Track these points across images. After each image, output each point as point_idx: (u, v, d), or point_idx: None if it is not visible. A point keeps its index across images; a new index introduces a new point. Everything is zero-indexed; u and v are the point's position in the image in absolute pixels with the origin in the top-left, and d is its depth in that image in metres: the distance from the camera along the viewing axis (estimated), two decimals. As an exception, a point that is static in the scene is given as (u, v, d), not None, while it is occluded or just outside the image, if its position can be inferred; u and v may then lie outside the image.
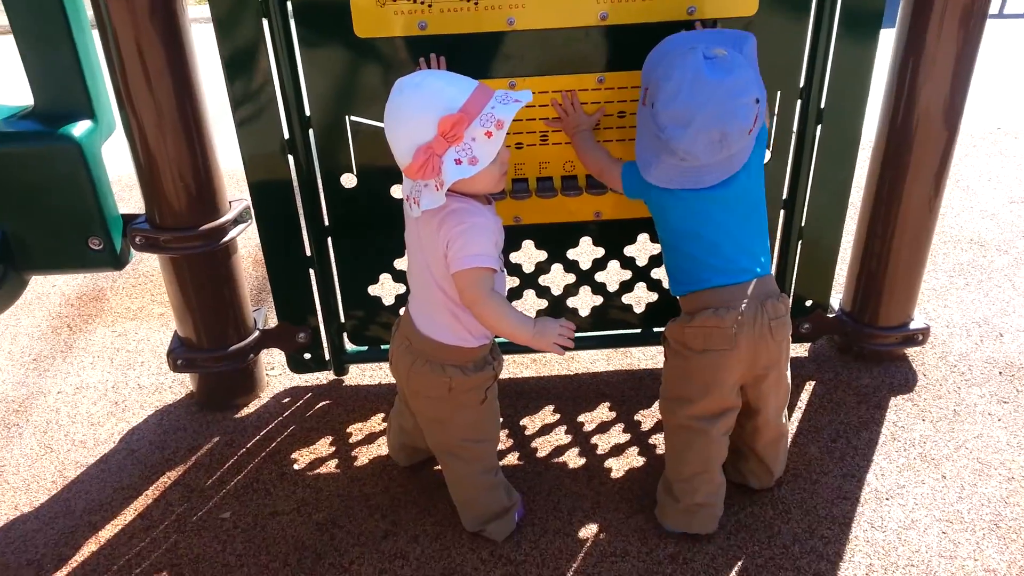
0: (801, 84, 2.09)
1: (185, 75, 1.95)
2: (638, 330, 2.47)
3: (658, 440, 2.24)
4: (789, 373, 1.92)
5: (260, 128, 2.06)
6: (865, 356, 2.48)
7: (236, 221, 2.20)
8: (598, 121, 2.04)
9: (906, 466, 2.12)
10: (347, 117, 2.05)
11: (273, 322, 2.39)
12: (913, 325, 2.43)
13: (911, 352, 2.50)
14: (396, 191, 2.15)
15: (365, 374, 2.53)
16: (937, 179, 2.20)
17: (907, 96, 2.10)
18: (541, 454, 2.21)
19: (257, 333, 2.36)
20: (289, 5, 1.92)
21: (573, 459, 2.19)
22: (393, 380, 2.44)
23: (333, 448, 2.25)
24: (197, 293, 2.21)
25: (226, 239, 2.16)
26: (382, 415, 2.35)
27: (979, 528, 1.94)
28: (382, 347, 2.45)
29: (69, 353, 2.71)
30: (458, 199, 1.67)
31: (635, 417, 2.32)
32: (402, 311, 1.92)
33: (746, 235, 1.82)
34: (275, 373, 2.54)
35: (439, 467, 2.15)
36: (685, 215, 1.80)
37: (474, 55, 1.99)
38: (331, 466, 2.19)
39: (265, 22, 1.93)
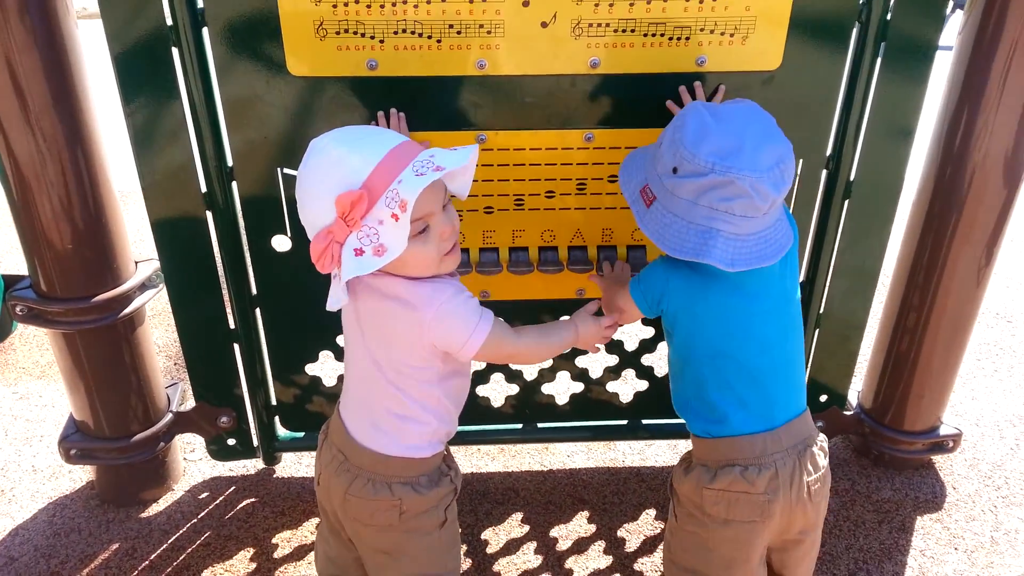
0: (828, 152, 1.74)
1: (71, 95, 1.56)
2: (624, 421, 2.11)
3: (645, 566, 1.87)
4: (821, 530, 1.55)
5: (171, 180, 1.68)
6: (886, 462, 2.14)
7: (143, 287, 1.82)
8: None
9: (940, 612, 1.77)
10: (279, 170, 1.69)
11: (191, 401, 2.01)
12: (943, 430, 2.08)
13: (938, 457, 2.16)
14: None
15: (301, 462, 2.15)
16: (990, 245, 1.83)
17: (960, 145, 1.74)
18: (503, 581, 1.84)
19: (170, 416, 1.98)
20: (206, 33, 1.55)
21: (541, 589, 1.82)
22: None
23: (254, 565, 1.86)
24: (94, 374, 1.83)
25: (129, 309, 1.78)
26: (316, 520, 1.97)
27: None
28: (321, 434, 2.07)
29: (-42, 420, 2.31)
30: (413, 285, 1.33)
31: (618, 532, 1.96)
32: (331, 417, 1.55)
33: (785, 359, 1.46)
34: (195, 457, 2.16)
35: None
36: (718, 325, 1.42)
37: (435, 103, 1.63)
38: (248, 591, 1.81)
39: (176, 52, 1.56)
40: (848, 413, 2.12)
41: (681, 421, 2.08)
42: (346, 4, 1.51)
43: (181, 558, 1.87)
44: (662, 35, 1.57)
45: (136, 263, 1.82)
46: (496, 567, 1.87)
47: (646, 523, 1.98)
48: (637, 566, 1.87)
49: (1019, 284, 2.99)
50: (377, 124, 1.61)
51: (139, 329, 1.85)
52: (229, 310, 1.86)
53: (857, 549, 1.91)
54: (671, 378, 1.56)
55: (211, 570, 1.85)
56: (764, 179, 1.30)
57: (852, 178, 1.76)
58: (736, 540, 1.45)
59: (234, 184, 1.71)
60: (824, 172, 1.76)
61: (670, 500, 1.57)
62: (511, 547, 1.92)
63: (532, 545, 1.92)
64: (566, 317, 1.56)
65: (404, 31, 1.54)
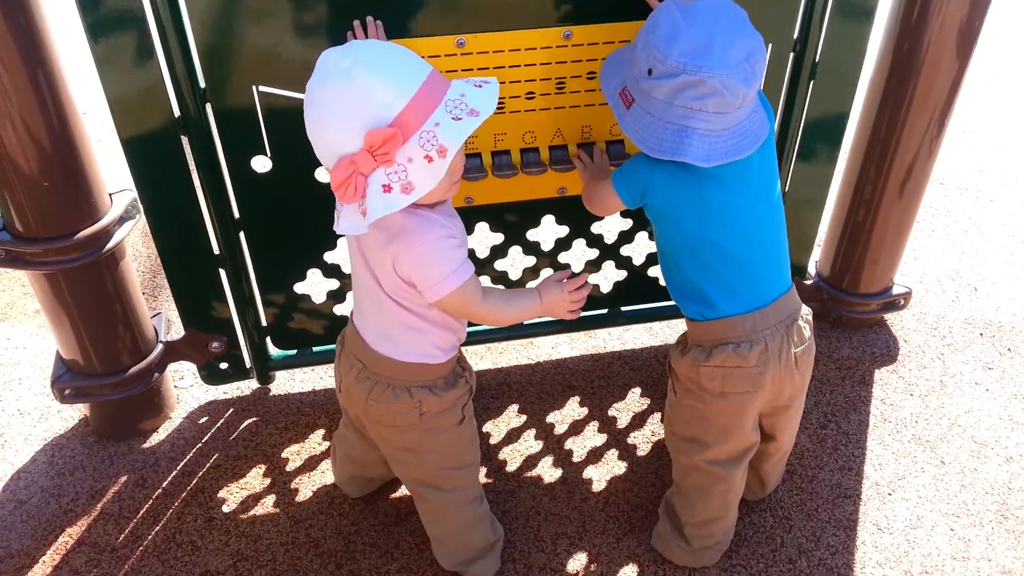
0: (795, 35, 1.79)
1: (30, 21, 1.48)
2: (604, 311, 2.21)
3: (637, 439, 2.01)
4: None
5: (140, 104, 1.61)
6: (843, 323, 2.31)
7: (122, 219, 1.77)
8: None
9: (902, 452, 1.98)
10: (255, 88, 1.64)
11: (178, 329, 2.00)
12: (895, 290, 2.25)
13: (890, 314, 2.34)
14: (322, 174, 1.77)
15: (295, 379, 2.18)
16: (942, 115, 1.92)
17: (918, 17, 1.80)
18: (511, 467, 1.95)
19: (160, 347, 1.97)
20: (169, -52, 1.47)
21: (548, 471, 1.94)
22: (331, 385, 2.12)
23: (268, 480, 1.92)
24: (81, 312, 1.79)
25: (111, 244, 1.73)
26: (322, 432, 2.03)
27: (987, 521, 1.82)
28: (314, 349, 2.10)
29: (-77, 371, 2.23)
30: (405, 215, 1.33)
31: (609, 412, 2.08)
32: (346, 327, 1.59)
33: (769, 241, 1.54)
34: (185, 384, 2.16)
35: (397, 495, 1.87)
36: (701, 216, 1.48)
37: (414, 8, 1.59)
38: (268, 505, 1.86)
39: (137, -30, 1.47)
40: (808, 282, 2.27)
41: (656, 305, 2.21)
42: (316, -92, 1.44)
43: (194, 482, 1.91)
44: (639, -77, 1.56)
45: (111, 195, 1.76)
46: (501, 455, 1.98)
47: (633, 401, 2.12)
48: (631, 440, 2.01)
49: (948, 148, 3.17)
50: (353, 34, 1.57)
51: (122, 263, 1.81)
52: (212, 235, 1.83)
53: (825, 404, 2.09)
54: (662, 266, 1.64)
55: (227, 489, 1.90)
56: (734, 75, 1.34)
57: (817, 60, 1.82)
58: (731, 410, 1.57)
59: (208, 106, 1.66)
60: (791, 56, 1.82)
61: (668, 378, 1.68)
62: (512, 436, 2.03)
63: (531, 432, 2.04)
64: (535, 283, 1.56)
65: (378, -66, 1.49)
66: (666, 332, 2.30)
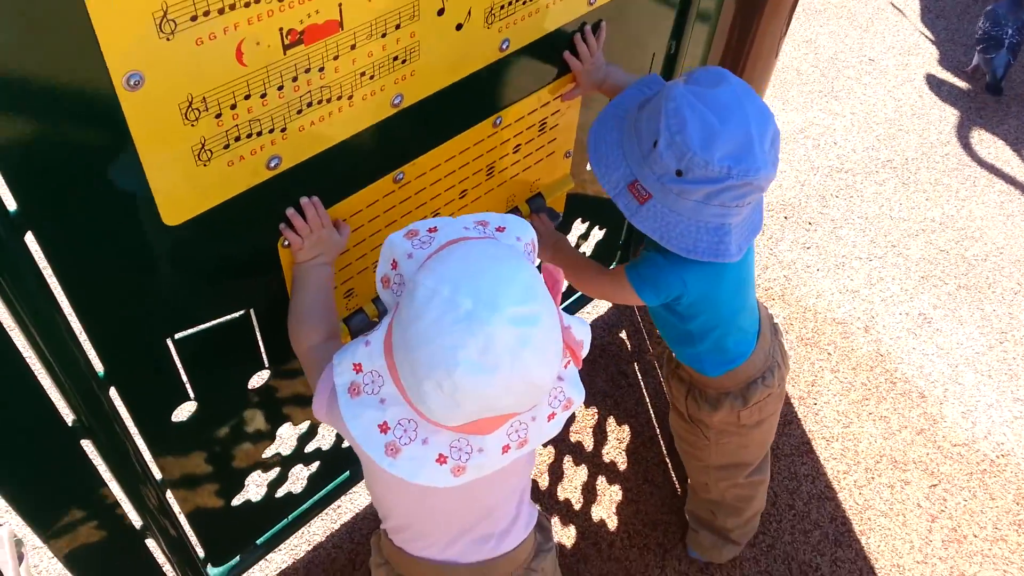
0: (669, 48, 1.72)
1: None
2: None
3: (611, 455, 2.03)
4: None
5: (17, 440, 1.07)
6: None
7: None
8: None
9: (803, 358, 2.25)
10: (169, 339, 1.17)
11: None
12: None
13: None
14: (256, 379, 1.37)
15: (238, 580, 1.78)
16: (791, 12, 1.89)
17: None
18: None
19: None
20: (30, 239, 0.92)
21: (565, 535, 1.89)
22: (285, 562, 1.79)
23: None
24: None
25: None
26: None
27: (889, 394, 2.19)
28: (258, 542, 1.72)
29: None
30: None
31: (571, 438, 2.05)
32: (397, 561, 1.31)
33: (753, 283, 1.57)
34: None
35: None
36: (733, 289, 1.45)
37: (349, 167, 1.23)
38: None
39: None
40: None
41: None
42: (233, 106, 0.99)
43: None
44: (563, -11, 1.33)
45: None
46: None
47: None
48: (606, 457, 2.02)
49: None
50: (289, 225, 1.17)
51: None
52: (133, 517, 1.34)
53: (724, 341, 2.28)
54: (679, 341, 1.56)
55: None
56: (770, 168, 1.28)
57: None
58: (768, 429, 1.67)
59: (112, 389, 1.15)
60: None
61: (692, 429, 1.68)
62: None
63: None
64: None
65: (310, 104, 1.08)
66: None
